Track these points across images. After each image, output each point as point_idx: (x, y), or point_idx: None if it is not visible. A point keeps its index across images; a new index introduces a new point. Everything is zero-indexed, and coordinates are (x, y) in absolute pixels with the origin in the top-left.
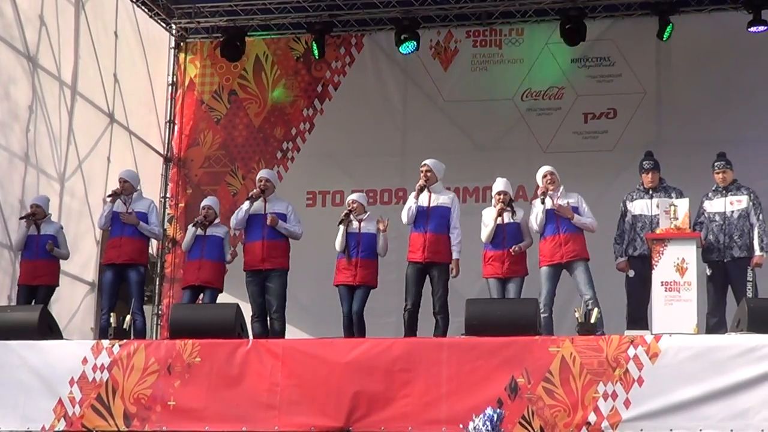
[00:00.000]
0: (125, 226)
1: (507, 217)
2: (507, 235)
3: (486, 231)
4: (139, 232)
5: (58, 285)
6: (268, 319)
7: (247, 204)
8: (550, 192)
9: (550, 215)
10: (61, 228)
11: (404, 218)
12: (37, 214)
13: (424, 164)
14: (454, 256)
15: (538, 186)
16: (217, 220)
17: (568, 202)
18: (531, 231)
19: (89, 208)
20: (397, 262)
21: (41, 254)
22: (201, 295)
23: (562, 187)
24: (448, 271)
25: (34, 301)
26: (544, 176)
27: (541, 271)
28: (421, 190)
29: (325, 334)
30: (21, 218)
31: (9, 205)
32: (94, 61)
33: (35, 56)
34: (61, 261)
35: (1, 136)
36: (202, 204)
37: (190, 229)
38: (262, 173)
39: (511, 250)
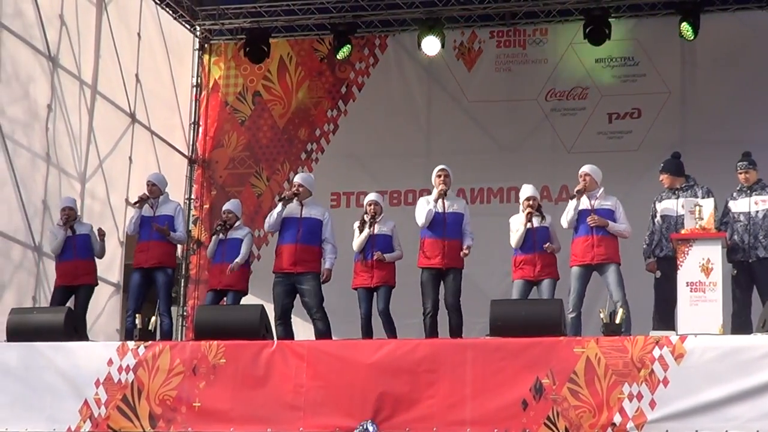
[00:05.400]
0: (153, 230)
1: (536, 222)
2: (537, 239)
3: (516, 236)
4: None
5: (96, 284)
6: (312, 320)
7: (279, 206)
8: (584, 191)
9: (584, 215)
10: (92, 228)
11: (422, 220)
12: (70, 217)
13: (444, 169)
14: (467, 243)
15: (564, 186)
16: (238, 223)
17: (595, 216)
18: (561, 227)
19: (111, 209)
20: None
21: (79, 254)
22: (224, 298)
23: (602, 189)
24: (462, 274)
25: (73, 301)
26: (581, 175)
27: (571, 271)
28: (443, 195)
29: (347, 335)
30: (61, 224)
31: (32, 204)
32: (115, 62)
33: (56, 56)
34: (97, 261)
35: (22, 136)
36: (223, 208)
37: (214, 238)
38: (298, 177)
39: (544, 246)
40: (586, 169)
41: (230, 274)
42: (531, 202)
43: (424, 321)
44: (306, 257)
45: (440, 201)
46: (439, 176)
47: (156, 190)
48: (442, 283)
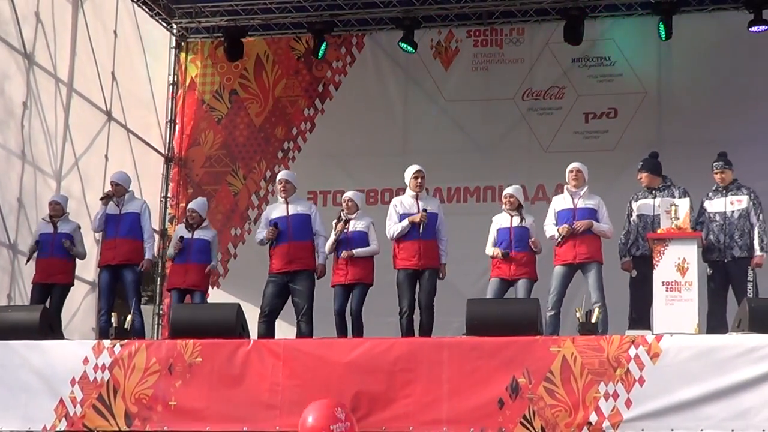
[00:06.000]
0: (119, 227)
1: (515, 221)
2: (514, 239)
3: (488, 241)
4: (134, 233)
5: (72, 284)
6: (296, 322)
7: (264, 232)
8: (571, 228)
9: (565, 215)
10: (78, 227)
11: (391, 234)
12: (57, 212)
13: (420, 170)
14: (443, 260)
15: (541, 186)
16: (205, 223)
17: (577, 224)
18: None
19: (87, 207)
20: None
21: (57, 252)
22: (188, 296)
23: (586, 188)
24: (437, 273)
25: (48, 299)
26: (571, 171)
27: (554, 269)
28: (423, 220)
29: (325, 334)
30: (45, 220)
31: (7, 203)
32: (91, 60)
33: (32, 54)
34: (76, 261)
35: None
36: (188, 207)
37: (181, 231)
38: (283, 174)
39: (531, 241)
40: (576, 165)
41: (194, 275)
42: (510, 199)
43: (400, 321)
44: (299, 254)
45: (415, 201)
46: (416, 177)
47: (120, 189)
48: (418, 281)
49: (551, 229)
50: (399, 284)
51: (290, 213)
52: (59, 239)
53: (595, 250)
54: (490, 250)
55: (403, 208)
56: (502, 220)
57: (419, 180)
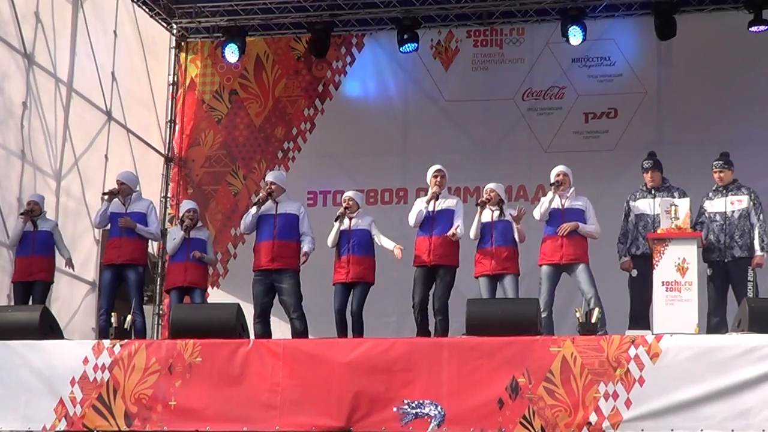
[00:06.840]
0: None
1: (496, 216)
2: (495, 233)
3: (472, 227)
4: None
5: (53, 282)
6: (289, 320)
7: (254, 209)
8: (561, 186)
9: (556, 214)
10: (57, 225)
11: (411, 221)
12: (34, 211)
13: (440, 170)
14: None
15: (541, 186)
16: (200, 224)
17: (564, 226)
18: (533, 222)
19: (87, 207)
20: (399, 261)
21: (36, 250)
22: (186, 296)
23: (572, 189)
24: (454, 273)
25: (30, 298)
26: (557, 174)
27: (541, 270)
28: (435, 198)
29: (326, 334)
30: (21, 214)
31: (7, 203)
32: (91, 60)
33: (31, 54)
34: (57, 258)
35: None
36: (187, 207)
37: (178, 233)
38: (269, 176)
39: (515, 213)
40: (562, 168)
41: (193, 273)
42: (491, 194)
43: (414, 315)
44: (283, 253)
45: (434, 199)
46: (435, 177)
47: (126, 188)
48: (435, 280)
49: (538, 211)
50: (414, 280)
51: (278, 212)
52: (39, 237)
53: (581, 251)
54: (472, 226)
55: (422, 204)
56: (484, 215)
57: (439, 179)
